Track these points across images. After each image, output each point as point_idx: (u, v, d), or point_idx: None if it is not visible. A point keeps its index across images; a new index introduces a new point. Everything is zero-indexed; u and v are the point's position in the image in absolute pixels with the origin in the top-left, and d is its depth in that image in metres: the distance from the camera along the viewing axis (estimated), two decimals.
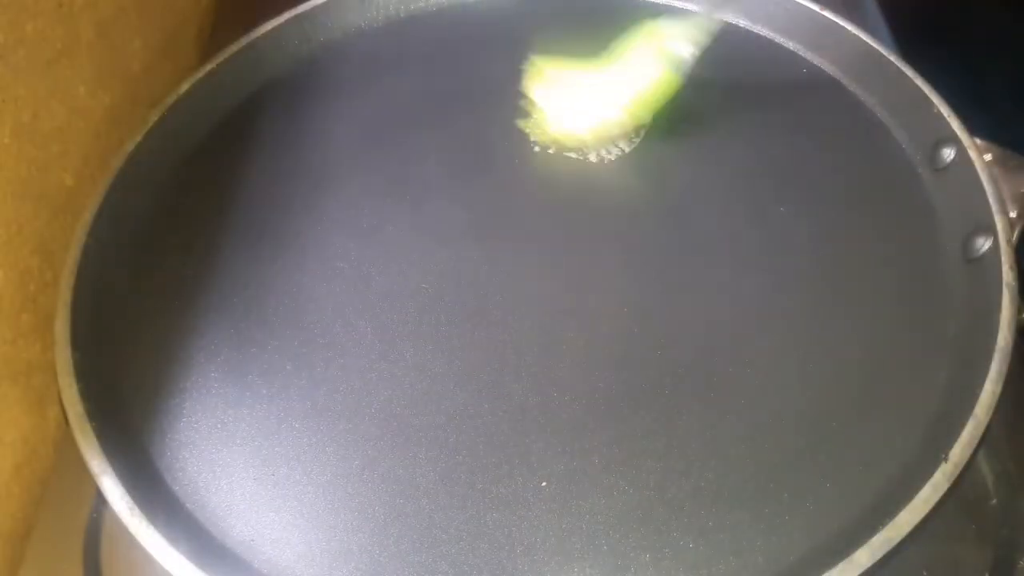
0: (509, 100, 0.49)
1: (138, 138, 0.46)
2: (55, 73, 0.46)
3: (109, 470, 0.35)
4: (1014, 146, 0.45)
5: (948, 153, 0.43)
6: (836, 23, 0.49)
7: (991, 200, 0.40)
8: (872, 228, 0.43)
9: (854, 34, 0.49)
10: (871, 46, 0.48)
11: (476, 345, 0.40)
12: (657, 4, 0.54)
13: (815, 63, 0.50)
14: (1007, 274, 0.38)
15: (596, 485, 0.35)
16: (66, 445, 0.37)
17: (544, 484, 0.36)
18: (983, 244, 0.39)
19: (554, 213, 0.45)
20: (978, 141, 0.43)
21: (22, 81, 0.43)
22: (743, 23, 0.52)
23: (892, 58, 0.47)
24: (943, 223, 0.42)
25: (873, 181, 0.45)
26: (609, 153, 0.46)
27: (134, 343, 0.41)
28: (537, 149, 0.47)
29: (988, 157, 0.42)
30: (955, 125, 0.43)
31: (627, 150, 0.47)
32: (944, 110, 0.44)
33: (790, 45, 0.51)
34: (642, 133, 0.47)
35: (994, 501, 0.41)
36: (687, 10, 0.52)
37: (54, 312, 0.39)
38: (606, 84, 0.45)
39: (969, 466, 0.33)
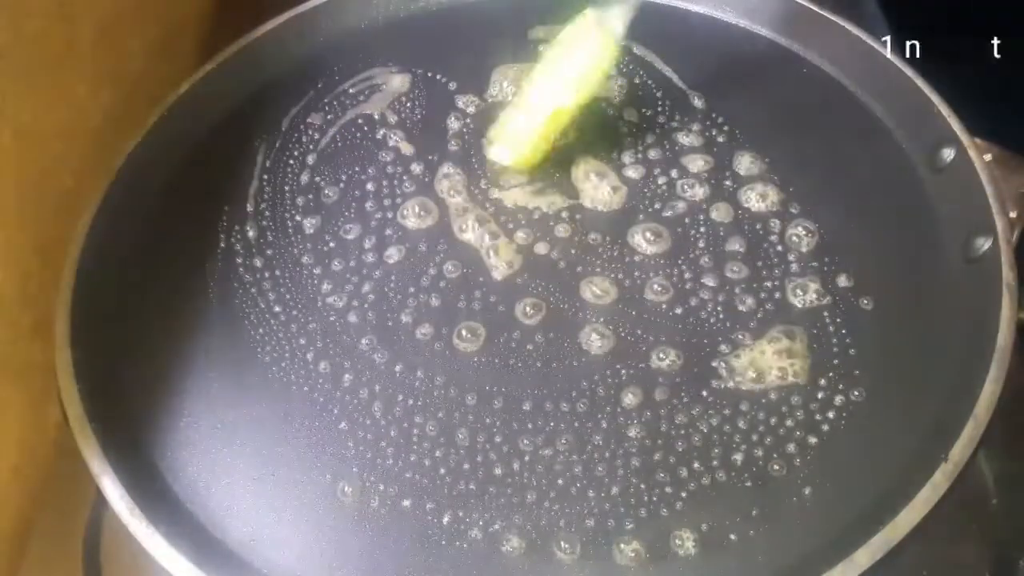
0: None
1: (138, 138, 0.46)
2: (55, 73, 0.46)
3: (109, 470, 0.35)
4: (1014, 146, 0.45)
5: (948, 153, 0.43)
6: (836, 23, 0.49)
7: (991, 200, 0.40)
8: (871, 228, 0.43)
9: (854, 34, 0.48)
10: (871, 46, 0.48)
11: (481, 345, 0.40)
12: None
13: (815, 63, 0.50)
14: (1007, 274, 0.38)
15: (596, 484, 0.35)
16: (66, 445, 0.37)
17: (544, 483, 0.36)
18: (983, 244, 0.39)
19: None
20: (978, 141, 0.43)
21: (22, 81, 0.43)
22: (743, 23, 0.52)
23: (892, 58, 0.47)
24: (943, 223, 0.42)
25: (873, 181, 0.45)
26: None
27: (134, 343, 0.41)
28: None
29: (988, 157, 0.42)
30: (955, 125, 0.43)
31: None
32: (944, 110, 0.44)
33: (790, 45, 0.51)
34: None
35: (994, 501, 0.41)
36: None
37: (54, 312, 0.39)
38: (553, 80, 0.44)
39: (969, 466, 0.33)
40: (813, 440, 0.36)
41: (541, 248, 0.43)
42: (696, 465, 0.36)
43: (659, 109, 0.49)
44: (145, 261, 0.44)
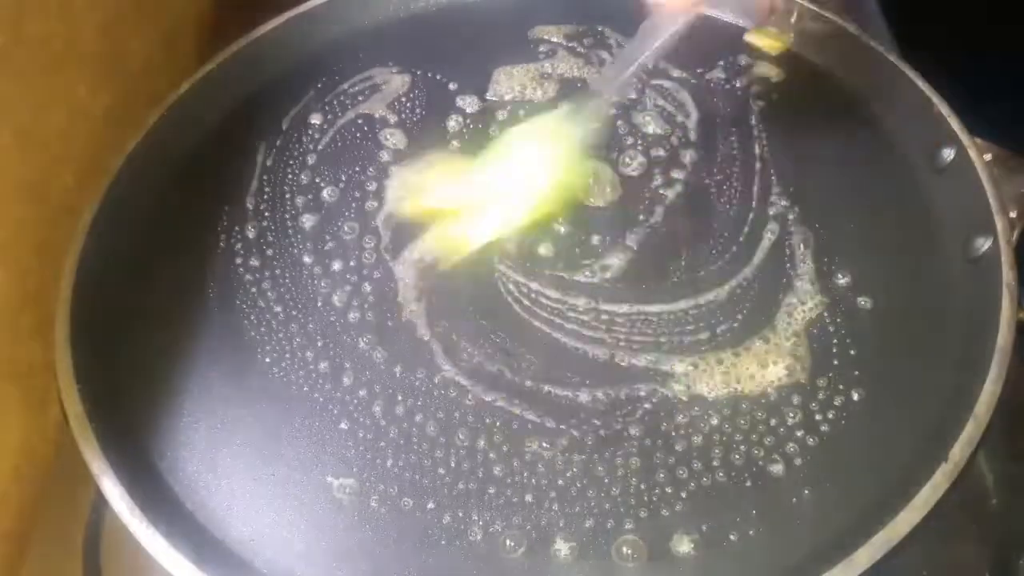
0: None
1: (138, 138, 0.46)
2: (55, 74, 0.46)
3: (109, 470, 0.35)
4: (1014, 146, 0.45)
5: (948, 153, 0.43)
6: (837, 24, 0.49)
7: (991, 200, 0.40)
8: (871, 228, 0.43)
9: (855, 35, 0.49)
10: (871, 46, 0.48)
11: (480, 345, 0.40)
12: None
13: (815, 63, 0.50)
14: (1007, 274, 0.38)
15: (596, 484, 0.35)
16: (66, 445, 0.37)
17: (543, 483, 0.36)
18: (983, 244, 0.39)
19: None
20: (978, 141, 0.43)
21: (23, 82, 0.43)
22: (743, 23, 0.52)
23: (892, 58, 0.47)
24: (943, 223, 0.42)
25: (873, 181, 0.45)
26: None
27: (134, 343, 0.41)
28: None
29: (988, 157, 0.42)
30: (955, 125, 0.43)
31: None
32: (944, 110, 0.44)
33: (790, 45, 0.51)
34: None
35: (994, 501, 0.41)
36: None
37: (54, 312, 0.39)
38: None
39: (969, 466, 0.33)
40: (813, 440, 0.36)
41: (541, 248, 0.43)
42: (696, 465, 0.36)
43: (659, 109, 0.49)
44: (145, 261, 0.44)
